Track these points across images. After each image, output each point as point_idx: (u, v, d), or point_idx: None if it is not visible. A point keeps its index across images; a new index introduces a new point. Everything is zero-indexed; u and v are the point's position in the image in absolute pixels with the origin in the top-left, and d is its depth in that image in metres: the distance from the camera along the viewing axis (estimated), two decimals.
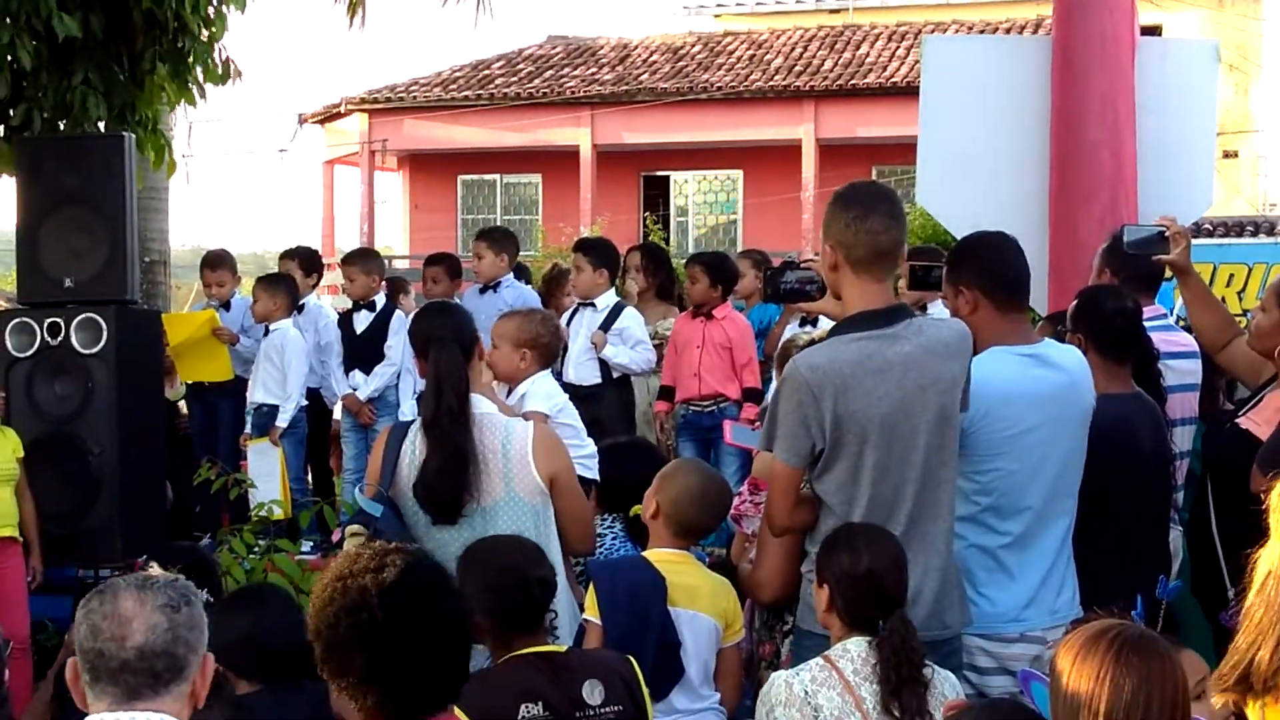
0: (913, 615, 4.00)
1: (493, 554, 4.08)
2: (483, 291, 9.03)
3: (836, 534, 3.97)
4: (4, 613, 6.55)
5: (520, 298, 8.94)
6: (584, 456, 5.49)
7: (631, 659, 4.11)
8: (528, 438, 4.67)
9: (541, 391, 5.87)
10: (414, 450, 4.68)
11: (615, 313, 8.39)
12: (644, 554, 4.81)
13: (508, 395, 5.67)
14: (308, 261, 9.68)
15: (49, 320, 6.81)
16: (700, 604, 4.68)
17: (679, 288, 9.20)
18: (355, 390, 8.98)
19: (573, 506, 4.81)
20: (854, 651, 3.76)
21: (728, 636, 4.73)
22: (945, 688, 3.80)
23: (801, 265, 4.44)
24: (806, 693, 3.73)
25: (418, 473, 4.62)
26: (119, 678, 2.81)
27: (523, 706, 3.78)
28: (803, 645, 4.18)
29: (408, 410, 8.65)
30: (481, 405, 4.73)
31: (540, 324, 5.96)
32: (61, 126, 7.73)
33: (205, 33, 8.04)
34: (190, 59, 7.98)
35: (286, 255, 9.77)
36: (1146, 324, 5.24)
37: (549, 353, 6.00)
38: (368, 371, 8.98)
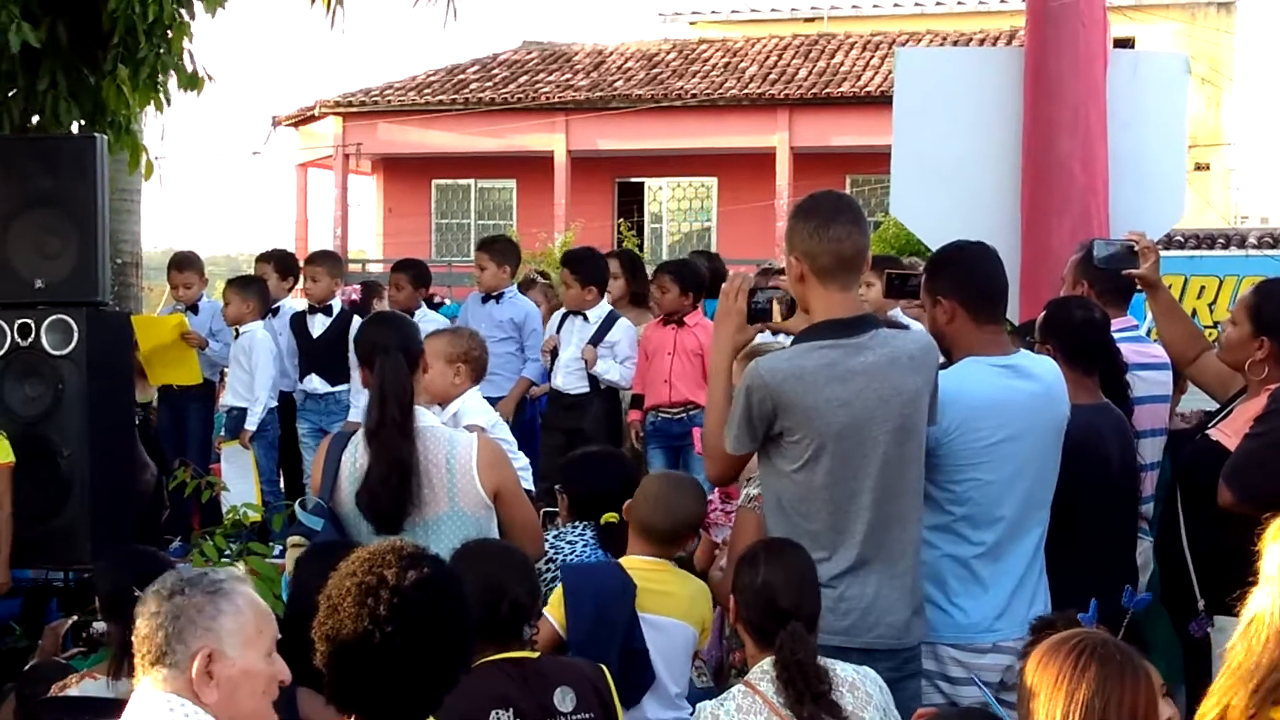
0: (869, 622, 4.05)
1: (479, 563, 4.02)
2: (484, 301, 9.02)
3: (748, 549, 4.00)
4: None
5: (521, 310, 8.93)
6: (518, 469, 5.53)
7: (604, 667, 4.12)
8: (472, 451, 4.67)
9: (476, 407, 5.93)
10: (355, 460, 4.67)
11: (608, 324, 8.41)
12: (620, 560, 4.83)
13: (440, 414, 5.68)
14: (283, 264, 9.65)
15: (19, 321, 6.77)
16: (675, 610, 4.70)
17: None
18: (312, 392, 8.97)
19: (520, 516, 4.81)
20: (771, 672, 3.71)
21: (701, 641, 4.77)
22: (867, 685, 3.77)
23: (770, 285, 4.44)
24: None
25: (360, 482, 4.62)
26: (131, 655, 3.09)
27: (494, 713, 3.78)
28: None
29: (356, 415, 8.74)
30: (424, 418, 4.73)
31: (470, 339, 6.12)
32: (31, 127, 7.72)
33: (165, 39, 7.99)
34: (150, 64, 7.94)
35: (262, 258, 9.75)
36: (1117, 335, 5.27)
37: (479, 367, 6.13)
38: (325, 375, 8.94)
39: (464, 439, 4.75)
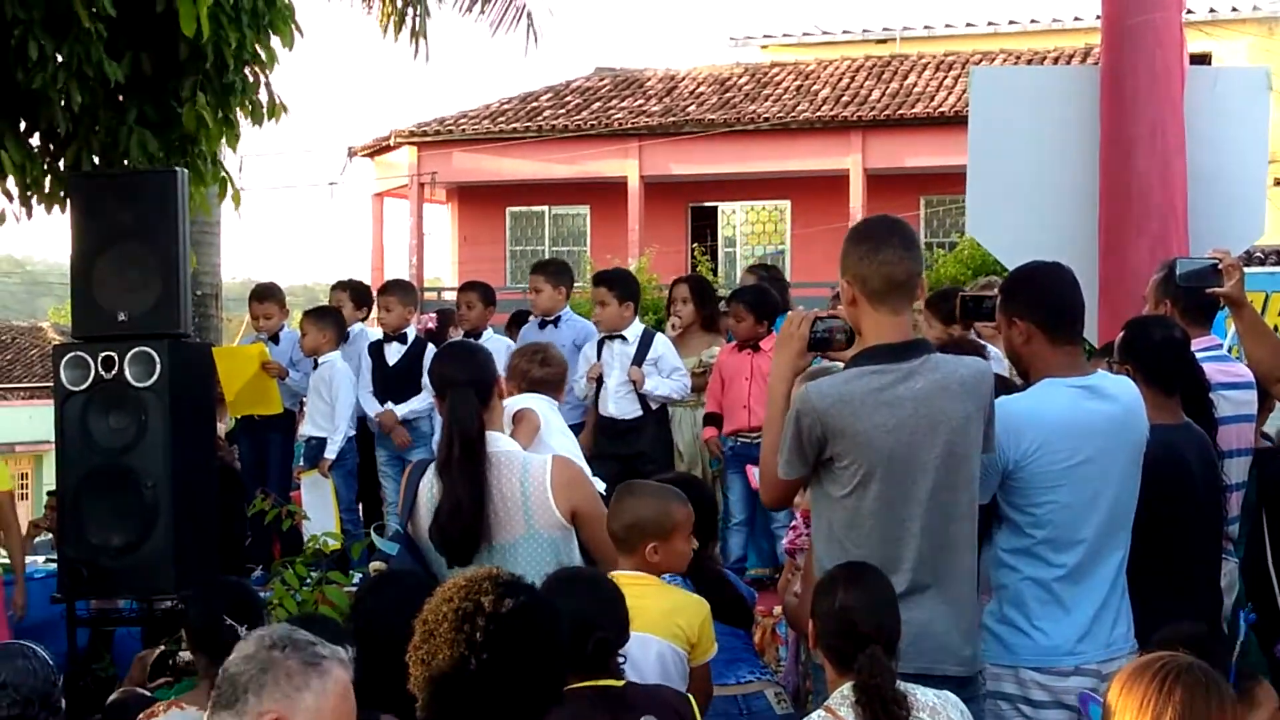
0: (921, 648, 3.99)
1: (568, 595, 3.91)
2: (542, 326, 8.99)
3: (828, 572, 3.98)
4: None
5: (581, 331, 8.90)
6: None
7: (690, 697, 4.10)
8: (545, 474, 4.68)
9: (524, 401, 6.19)
10: (431, 489, 4.70)
11: (646, 342, 8.42)
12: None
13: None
14: (359, 294, 9.73)
15: (103, 354, 6.85)
16: (644, 625, 4.58)
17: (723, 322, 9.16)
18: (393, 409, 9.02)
19: (600, 537, 4.78)
20: (851, 697, 3.69)
21: (695, 656, 4.63)
22: (949, 709, 3.74)
23: (830, 314, 4.44)
24: None
25: (432, 515, 4.65)
26: None
27: None
28: (818, 678, 4.19)
29: (402, 411, 8.96)
30: (499, 443, 4.74)
31: (518, 356, 6.51)
32: (113, 163, 7.82)
33: (250, 69, 8.09)
34: (233, 94, 8.03)
35: (338, 287, 9.83)
36: (1201, 354, 5.21)
37: (528, 382, 6.39)
38: (401, 403, 8.98)
39: (537, 461, 4.77)
